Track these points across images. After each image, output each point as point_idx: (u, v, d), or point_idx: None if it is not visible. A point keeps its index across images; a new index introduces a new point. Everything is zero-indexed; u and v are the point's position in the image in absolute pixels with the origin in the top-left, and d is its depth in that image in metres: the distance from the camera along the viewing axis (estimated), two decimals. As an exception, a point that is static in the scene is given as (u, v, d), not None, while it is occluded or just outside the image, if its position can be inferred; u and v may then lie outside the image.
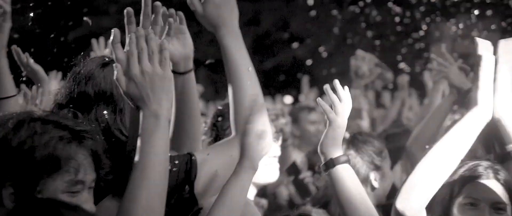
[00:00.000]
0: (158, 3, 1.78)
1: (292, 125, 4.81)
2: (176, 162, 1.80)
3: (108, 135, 1.83)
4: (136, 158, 1.55)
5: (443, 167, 1.91)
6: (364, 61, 4.46)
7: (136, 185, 1.53)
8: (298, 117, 4.91)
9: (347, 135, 2.85)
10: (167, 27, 1.80)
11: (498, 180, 2.11)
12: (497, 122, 1.92)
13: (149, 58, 1.56)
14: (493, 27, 13.95)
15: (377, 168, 2.82)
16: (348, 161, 2.11)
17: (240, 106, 1.84)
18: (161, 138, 1.56)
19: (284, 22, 16.13)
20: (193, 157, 1.83)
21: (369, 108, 4.96)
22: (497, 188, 2.10)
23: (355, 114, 4.27)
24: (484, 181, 2.09)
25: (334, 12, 15.48)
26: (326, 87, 2.16)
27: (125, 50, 1.58)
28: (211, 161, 1.84)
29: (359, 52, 4.57)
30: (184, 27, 1.98)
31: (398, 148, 3.80)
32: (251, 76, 1.85)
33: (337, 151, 2.10)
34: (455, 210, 2.09)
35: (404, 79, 4.96)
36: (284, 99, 9.68)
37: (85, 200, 1.60)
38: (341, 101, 2.12)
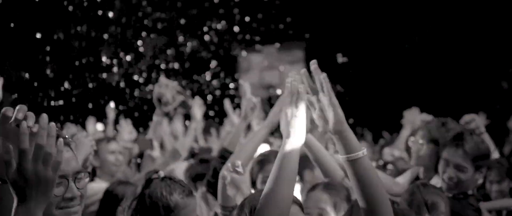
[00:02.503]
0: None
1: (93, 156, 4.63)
2: None
3: None
4: None
5: (282, 196, 1.99)
6: (167, 88, 4.43)
7: None
8: (98, 148, 4.71)
9: (162, 174, 2.60)
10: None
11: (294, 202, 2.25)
12: (336, 135, 2.02)
13: (44, 160, 1.55)
14: (295, 59, 15.10)
15: None
16: None
17: None
18: None
19: (94, 47, 15.72)
20: None
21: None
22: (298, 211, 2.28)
23: (145, 144, 4.20)
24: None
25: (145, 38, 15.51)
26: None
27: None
28: None
29: (162, 79, 4.55)
30: None
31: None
32: None
33: None
34: None
35: (197, 107, 4.96)
36: (96, 127, 9.30)
37: None
38: None
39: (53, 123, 1.60)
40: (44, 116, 1.59)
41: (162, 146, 4.91)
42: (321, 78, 2.03)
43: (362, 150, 2.00)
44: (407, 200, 2.82)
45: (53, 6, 15.77)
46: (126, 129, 6.14)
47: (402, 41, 15.50)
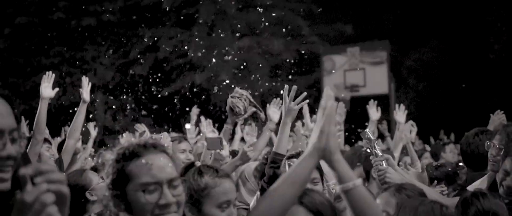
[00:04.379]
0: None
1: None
2: None
3: None
4: None
5: (282, 192, 1.99)
6: (241, 99, 4.47)
7: None
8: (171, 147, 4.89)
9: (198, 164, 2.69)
10: None
11: (301, 203, 2.24)
12: (327, 164, 2.03)
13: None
14: (378, 59, 14.91)
15: None
16: None
17: None
18: None
19: (183, 49, 16.13)
20: None
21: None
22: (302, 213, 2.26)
23: (214, 143, 4.22)
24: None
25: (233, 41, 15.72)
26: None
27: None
28: None
29: (238, 89, 4.59)
30: None
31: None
32: None
33: None
34: None
35: (274, 110, 4.97)
36: (186, 126, 9.60)
37: None
38: None
39: (61, 174, 1.35)
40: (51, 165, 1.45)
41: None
42: (328, 105, 2.03)
43: (353, 181, 1.99)
44: (462, 209, 2.76)
45: (147, 10, 16.27)
46: (209, 128, 6.28)
47: (489, 42, 14.92)
